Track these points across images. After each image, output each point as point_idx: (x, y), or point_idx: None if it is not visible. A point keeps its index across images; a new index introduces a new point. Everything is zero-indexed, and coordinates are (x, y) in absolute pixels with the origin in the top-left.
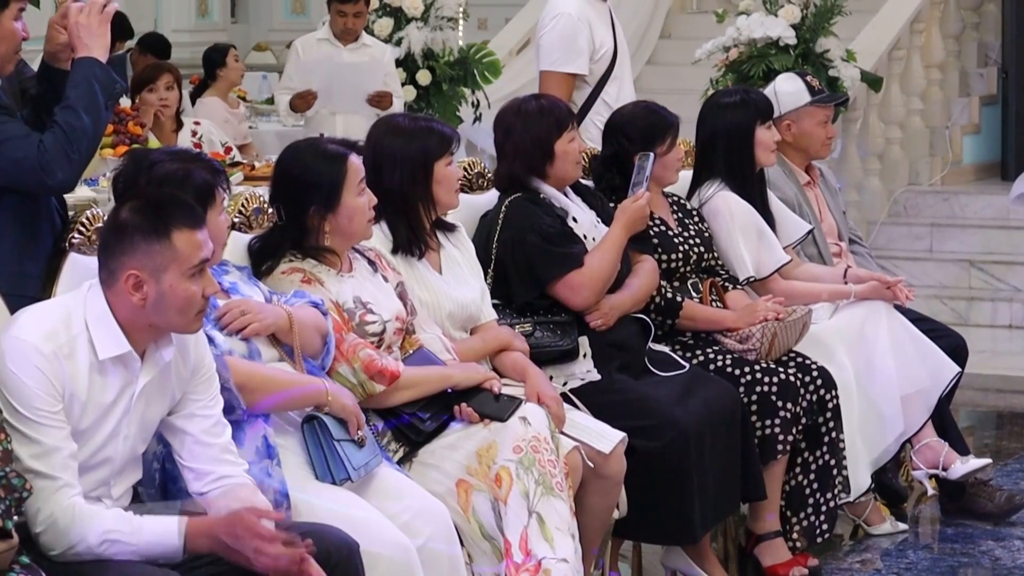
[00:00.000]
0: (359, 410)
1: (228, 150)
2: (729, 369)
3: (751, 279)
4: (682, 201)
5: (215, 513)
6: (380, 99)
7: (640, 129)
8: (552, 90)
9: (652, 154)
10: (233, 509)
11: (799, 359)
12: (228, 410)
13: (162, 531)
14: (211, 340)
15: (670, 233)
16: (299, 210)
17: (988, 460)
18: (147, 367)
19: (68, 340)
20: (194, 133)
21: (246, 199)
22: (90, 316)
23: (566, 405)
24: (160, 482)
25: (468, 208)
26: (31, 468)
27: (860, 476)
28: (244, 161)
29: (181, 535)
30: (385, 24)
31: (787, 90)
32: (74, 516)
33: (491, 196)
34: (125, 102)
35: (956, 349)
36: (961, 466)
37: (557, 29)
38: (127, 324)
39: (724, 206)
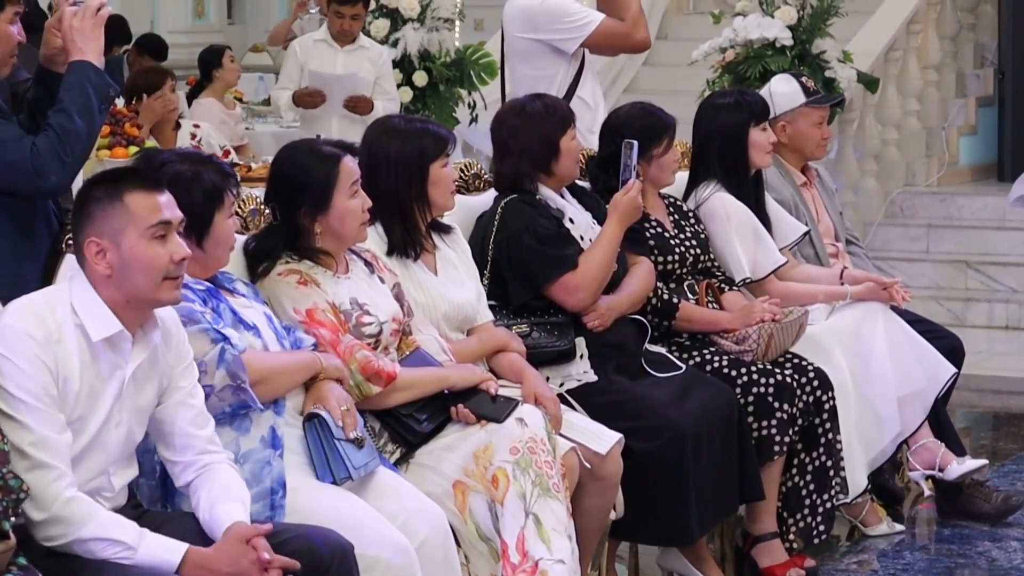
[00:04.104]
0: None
1: (227, 153)
2: (726, 370)
3: (747, 280)
4: (678, 202)
5: (205, 522)
6: (356, 104)
7: (637, 130)
8: (612, 36)
9: (635, 142)
10: (226, 533)
11: (795, 360)
12: (243, 407)
13: (164, 549)
14: (227, 339)
15: (666, 235)
16: (292, 210)
17: (984, 461)
18: (137, 350)
19: (56, 327)
20: (193, 136)
21: (243, 200)
22: (77, 302)
23: (563, 406)
24: (160, 474)
25: (464, 209)
26: (29, 455)
27: (857, 477)
28: (240, 162)
29: (180, 558)
30: (381, 25)
31: (782, 91)
32: (73, 508)
33: (487, 197)
34: (122, 103)
35: (952, 350)
36: (957, 467)
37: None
38: (113, 304)
39: (720, 207)
